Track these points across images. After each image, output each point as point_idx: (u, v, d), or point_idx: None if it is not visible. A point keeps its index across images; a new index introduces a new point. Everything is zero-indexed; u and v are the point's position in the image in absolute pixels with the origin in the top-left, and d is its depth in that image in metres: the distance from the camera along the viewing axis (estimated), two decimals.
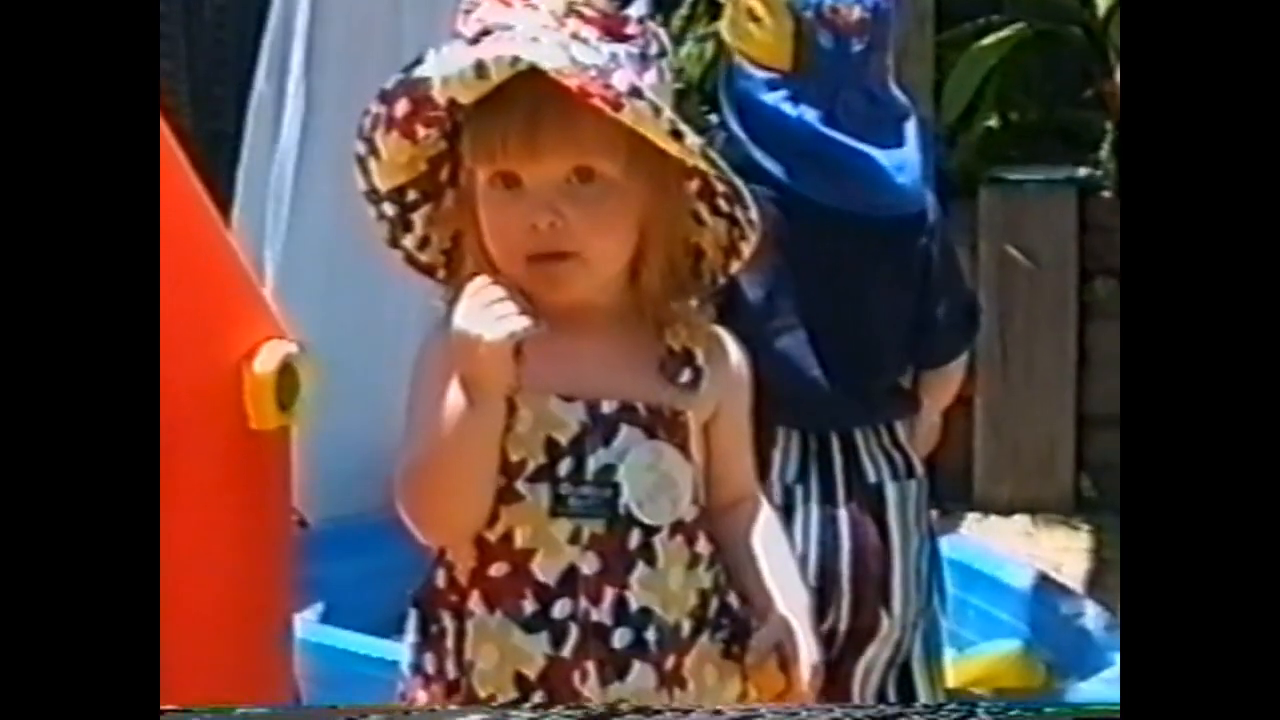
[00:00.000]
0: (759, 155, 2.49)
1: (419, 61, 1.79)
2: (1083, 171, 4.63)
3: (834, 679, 2.51)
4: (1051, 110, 5.00)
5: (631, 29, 1.82)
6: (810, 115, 2.53)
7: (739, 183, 1.83)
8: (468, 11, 1.83)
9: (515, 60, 1.74)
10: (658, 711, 1.76)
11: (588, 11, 1.81)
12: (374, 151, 1.82)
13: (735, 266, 1.91)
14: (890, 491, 2.53)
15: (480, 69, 1.75)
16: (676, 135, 1.77)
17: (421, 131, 1.80)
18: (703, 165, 1.82)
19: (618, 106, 1.74)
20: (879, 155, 2.57)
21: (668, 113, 1.76)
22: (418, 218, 1.87)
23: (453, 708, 1.81)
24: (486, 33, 1.79)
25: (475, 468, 1.80)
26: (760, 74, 2.53)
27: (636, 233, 1.83)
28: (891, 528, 2.53)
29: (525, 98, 1.76)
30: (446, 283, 1.89)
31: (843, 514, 2.50)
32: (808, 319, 2.50)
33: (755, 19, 2.53)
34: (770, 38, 2.53)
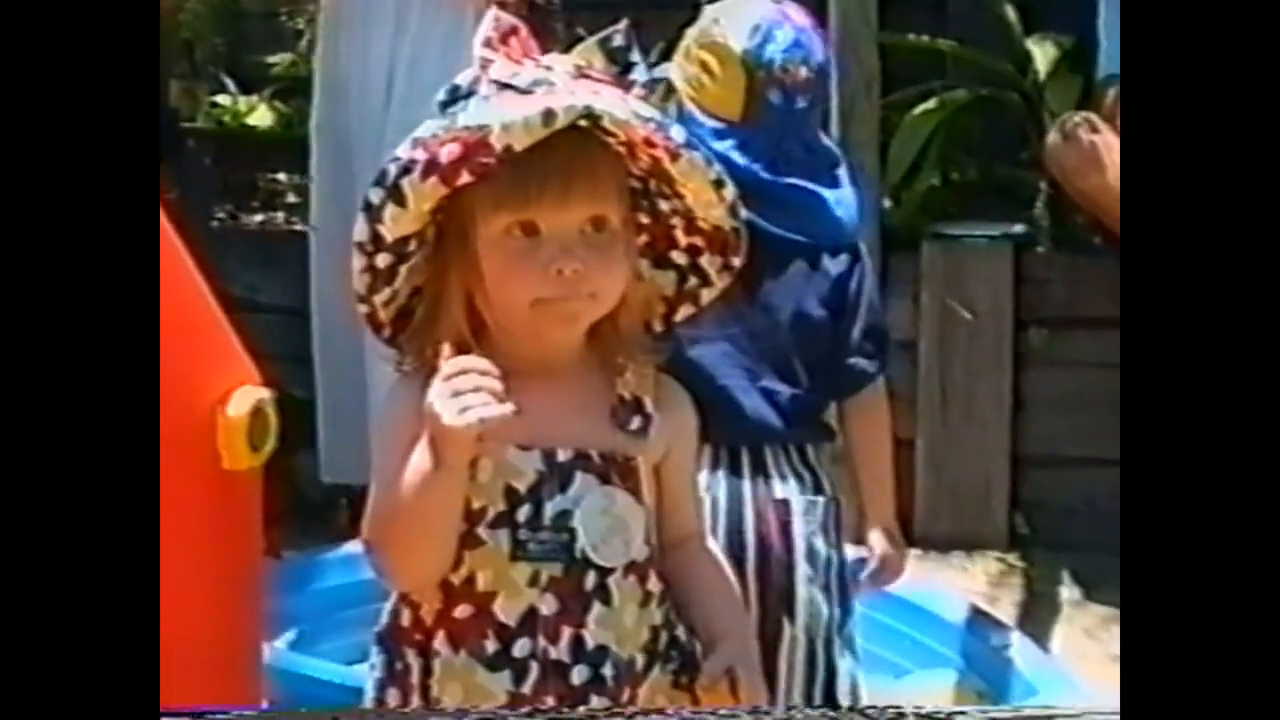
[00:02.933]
0: None
1: (458, 113, 1.76)
2: (1019, 227, 4.64)
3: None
4: (990, 170, 5.00)
5: (637, 93, 1.82)
6: (756, 163, 2.53)
7: (743, 231, 1.87)
8: (483, 68, 1.81)
9: (586, 110, 1.73)
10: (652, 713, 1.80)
11: (595, 74, 1.81)
12: (398, 198, 1.76)
13: (684, 314, 1.93)
14: (796, 506, 2.52)
15: (548, 117, 1.72)
16: (719, 184, 1.81)
17: (464, 177, 1.75)
18: (726, 221, 1.84)
19: (675, 157, 1.77)
20: (819, 190, 2.59)
21: (716, 165, 1.81)
22: (405, 269, 1.83)
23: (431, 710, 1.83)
24: (536, 84, 1.78)
25: (438, 527, 1.79)
26: (710, 122, 2.54)
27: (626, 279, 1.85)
28: (796, 541, 2.52)
29: (560, 148, 1.75)
30: (389, 342, 1.88)
31: (749, 525, 2.47)
32: (729, 335, 2.47)
33: (709, 72, 2.56)
34: (722, 91, 2.55)
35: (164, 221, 1.85)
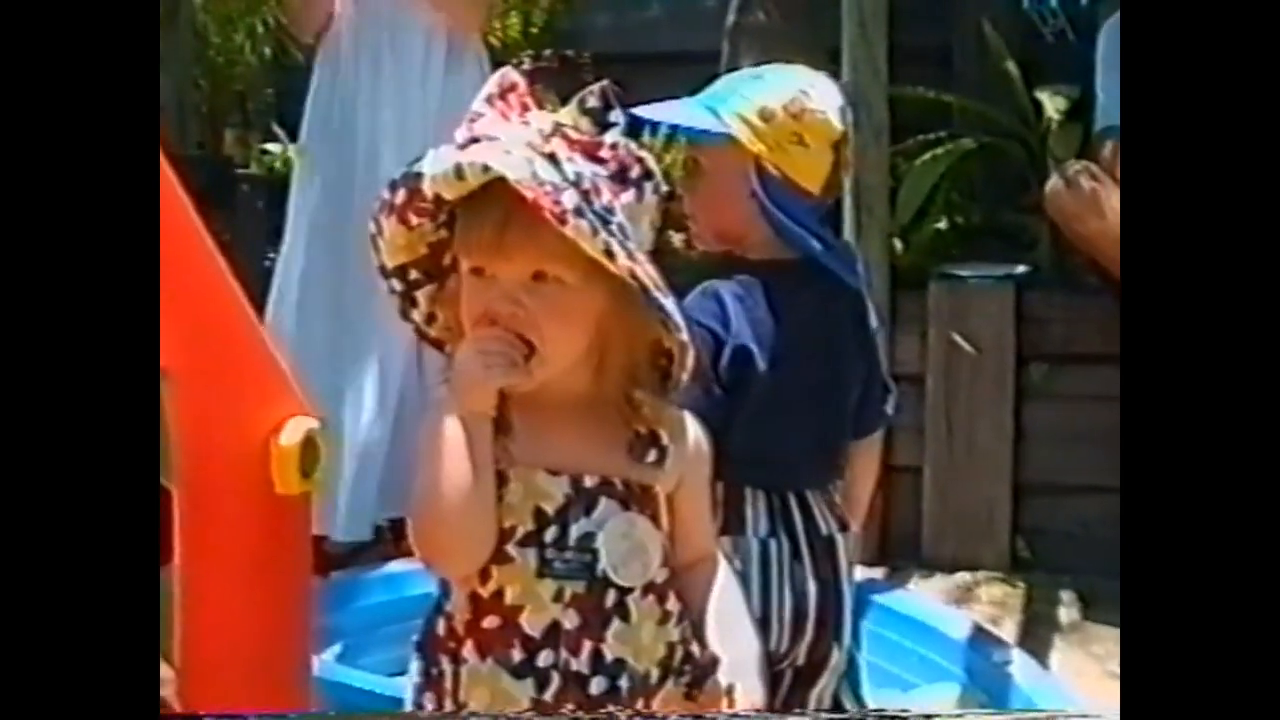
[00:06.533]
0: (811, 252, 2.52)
1: (420, 160, 1.81)
2: (1020, 268, 4.64)
3: (789, 707, 2.54)
4: (993, 214, 5.01)
5: (605, 153, 1.83)
6: (826, 232, 2.56)
7: (669, 306, 1.84)
8: (471, 121, 1.86)
9: (486, 168, 1.76)
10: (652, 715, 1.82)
11: (571, 134, 1.83)
12: (380, 232, 1.85)
13: (684, 374, 1.92)
14: (840, 542, 2.55)
15: (458, 171, 1.77)
16: (609, 255, 1.78)
17: (414, 220, 1.83)
18: (632, 284, 1.82)
19: (563, 221, 1.75)
20: (841, 244, 2.65)
21: (604, 234, 1.77)
22: (422, 296, 1.91)
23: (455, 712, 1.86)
24: (475, 141, 1.82)
25: (477, 489, 1.81)
26: (791, 190, 2.50)
27: (592, 330, 1.86)
28: (843, 574, 2.56)
29: (500, 202, 1.78)
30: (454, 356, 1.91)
31: (808, 565, 2.50)
32: (793, 392, 2.49)
33: (803, 144, 2.50)
34: (812, 164, 2.50)
35: (220, 261, 1.88)
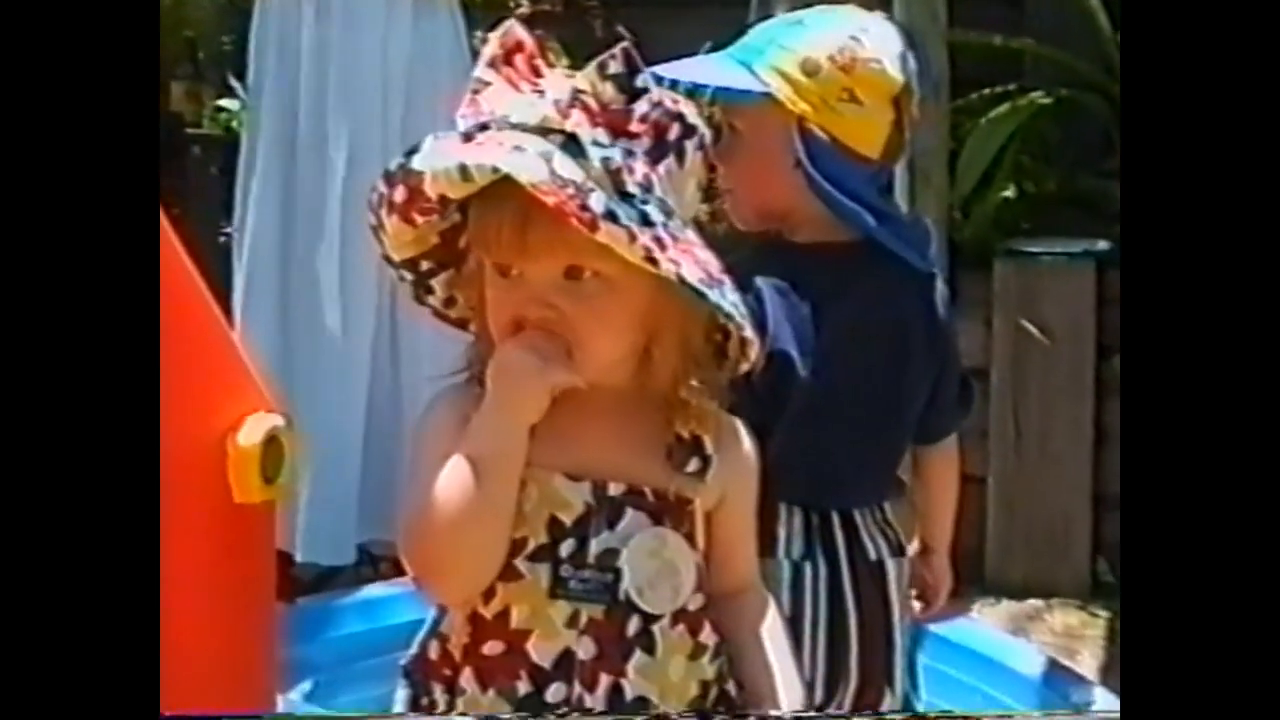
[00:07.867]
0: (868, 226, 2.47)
1: (417, 149, 1.80)
2: (1101, 244, 4.63)
3: None
4: (1071, 180, 5.02)
5: (635, 126, 1.81)
6: (888, 202, 2.55)
7: (727, 305, 1.83)
8: (475, 92, 1.84)
9: (496, 169, 1.73)
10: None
11: (593, 104, 1.80)
12: (381, 227, 1.84)
13: (746, 365, 1.91)
14: (890, 568, 2.54)
15: (464, 172, 1.75)
16: (651, 261, 1.76)
17: (419, 219, 1.82)
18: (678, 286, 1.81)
19: (594, 228, 1.73)
20: (911, 218, 2.62)
21: (643, 238, 1.75)
22: (438, 283, 1.91)
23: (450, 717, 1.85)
24: (483, 127, 1.80)
25: (495, 506, 1.81)
26: (845, 157, 2.44)
27: (638, 326, 1.85)
28: (893, 605, 2.54)
29: (516, 197, 1.75)
30: (479, 335, 1.92)
31: (849, 592, 2.48)
32: (843, 398, 2.46)
33: (856, 101, 2.42)
34: (866, 124, 2.43)
35: (170, 235, 1.87)
